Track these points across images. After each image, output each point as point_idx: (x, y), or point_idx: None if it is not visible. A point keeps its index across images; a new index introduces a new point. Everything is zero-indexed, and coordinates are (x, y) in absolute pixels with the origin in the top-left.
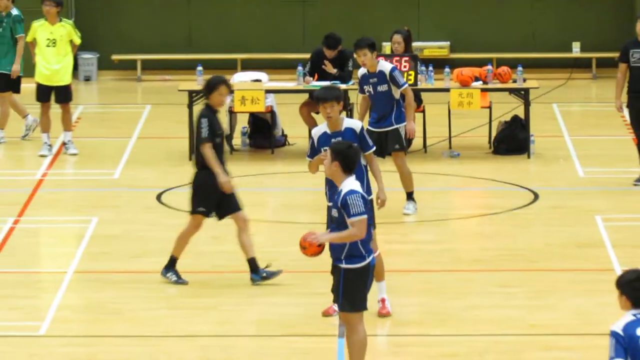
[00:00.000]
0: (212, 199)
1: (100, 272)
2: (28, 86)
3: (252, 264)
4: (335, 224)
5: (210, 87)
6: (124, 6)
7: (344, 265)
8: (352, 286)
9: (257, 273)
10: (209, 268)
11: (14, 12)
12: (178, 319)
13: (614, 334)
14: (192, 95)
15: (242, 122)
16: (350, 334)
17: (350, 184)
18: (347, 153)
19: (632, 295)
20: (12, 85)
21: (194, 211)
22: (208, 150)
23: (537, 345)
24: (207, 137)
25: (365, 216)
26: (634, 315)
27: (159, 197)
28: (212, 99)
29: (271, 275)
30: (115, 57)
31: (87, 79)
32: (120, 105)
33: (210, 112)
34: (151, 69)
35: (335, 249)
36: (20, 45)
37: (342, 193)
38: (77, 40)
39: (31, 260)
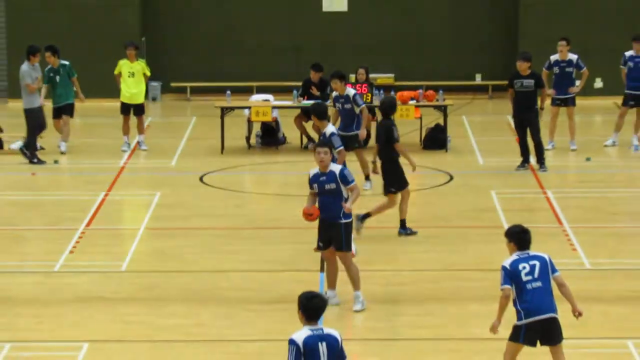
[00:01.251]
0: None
1: (162, 228)
2: (114, 104)
3: (403, 222)
4: (331, 194)
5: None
6: (177, 50)
7: (342, 221)
8: (348, 234)
9: (405, 229)
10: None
11: (65, 62)
12: (215, 261)
13: (503, 268)
14: (223, 110)
15: (256, 127)
16: (349, 266)
17: (336, 167)
18: None
19: (516, 242)
20: (71, 111)
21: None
22: (400, 147)
23: (452, 277)
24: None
25: (355, 182)
26: (518, 255)
27: (201, 178)
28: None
29: (411, 233)
30: (172, 84)
31: (154, 99)
32: (176, 117)
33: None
34: (197, 92)
35: (334, 211)
36: (76, 83)
37: (337, 171)
38: (148, 73)
39: (116, 221)
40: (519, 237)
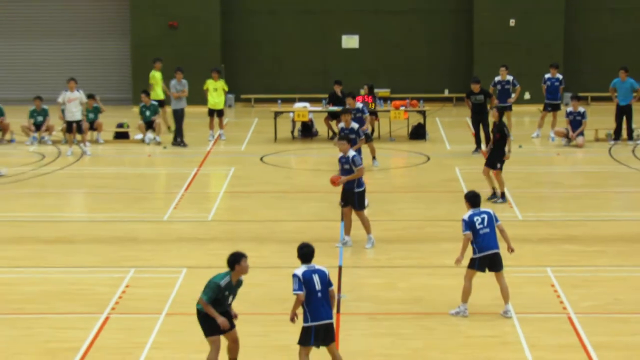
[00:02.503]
0: None
1: (235, 192)
2: (203, 110)
3: (496, 193)
4: (347, 171)
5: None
6: (245, 73)
7: (355, 190)
8: (361, 198)
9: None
10: None
11: (154, 102)
12: (271, 213)
13: (463, 220)
14: (276, 113)
15: (298, 125)
16: (363, 218)
17: (352, 152)
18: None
19: (471, 202)
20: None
21: None
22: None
23: (431, 225)
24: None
25: (363, 165)
26: (472, 211)
27: (261, 158)
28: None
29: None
30: (242, 96)
31: (230, 106)
32: (244, 118)
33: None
34: (258, 101)
35: (350, 184)
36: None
37: (350, 156)
38: (226, 88)
39: (205, 187)
40: (472, 199)
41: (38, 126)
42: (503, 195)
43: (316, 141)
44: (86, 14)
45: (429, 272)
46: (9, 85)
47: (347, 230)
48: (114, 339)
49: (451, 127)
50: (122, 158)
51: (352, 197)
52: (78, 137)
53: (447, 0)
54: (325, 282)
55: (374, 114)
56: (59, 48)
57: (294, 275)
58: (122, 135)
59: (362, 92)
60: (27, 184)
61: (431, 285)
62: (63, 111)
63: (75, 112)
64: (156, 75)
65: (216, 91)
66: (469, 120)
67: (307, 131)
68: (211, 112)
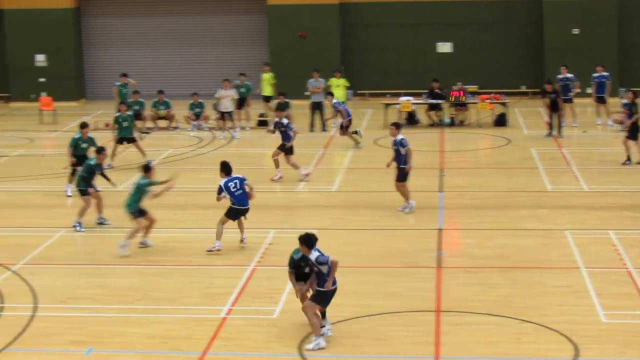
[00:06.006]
0: None
1: (355, 168)
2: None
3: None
4: (396, 152)
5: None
6: (361, 72)
7: (401, 166)
8: (402, 173)
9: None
10: None
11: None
12: (381, 184)
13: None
14: (386, 105)
15: (403, 114)
16: (400, 187)
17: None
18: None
19: None
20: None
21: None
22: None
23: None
24: None
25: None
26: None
27: (375, 141)
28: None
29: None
30: (359, 91)
31: (349, 99)
32: (360, 109)
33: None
34: (372, 95)
35: (400, 161)
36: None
37: (398, 139)
38: (347, 84)
39: (330, 163)
40: None
41: (197, 116)
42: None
43: (418, 128)
44: (235, 27)
45: (512, 233)
46: (175, 83)
47: (407, 196)
48: (259, 286)
49: (527, 116)
50: (262, 141)
51: (397, 171)
52: (229, 124)
53: (522, 13)
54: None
55: (463, 105)
56: (214, 54)
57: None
58: (263, 123)
59: (455, 87)
60: (188, 162)
61: (513, 244)
62: (215, 104)
63: (227, 106)
64: (265, 77)
65: (338, 87)
66: (542, 111)
67: (411, 119)
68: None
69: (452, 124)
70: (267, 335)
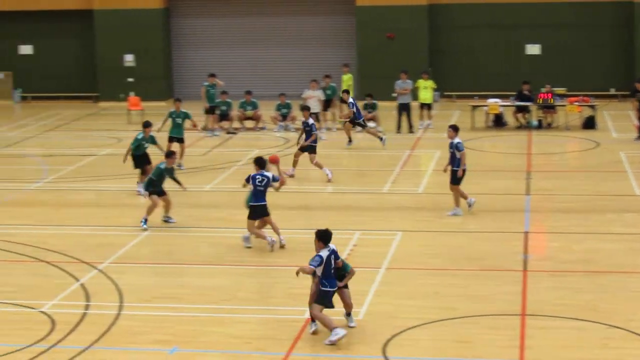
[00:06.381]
0: None
1: (441, 170)
2: (415, 104)
3: None
4: (451, 155)
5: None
6: (447, 74)
7: (454, 168)
8: (455, 176)
9: None
10: None
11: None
12: (473, 187)
13: None
14: (473, 107)
15: (490, 117)
16: (455, 189)
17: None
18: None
19: None
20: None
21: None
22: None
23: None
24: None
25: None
26: None
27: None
28: None
29: None
30: (445, 92)
31: (435, 101)
32: (447, 110)
33: None
34: (459, 97)
35: (454, 164)
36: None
37: (455, 142)
38: (435, 86)
39: (415, 165)
40: None
41: (284, 116)
42: None
43: (505, 130)
44: (323, 28)
45: (598, 237)
46: (263, 83)
47: (457, 201)
48: None
49: (616, 119)
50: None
51: (452, 174)
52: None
53: (612, 15)
54: (337, 257)
55: (552, 107)
56: (301, 54)
57: (320, 257)
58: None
59: (544, 90)
60: None
61: (600, 248)
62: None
63: (314, 106)
64: (344, 78)
65: (426, 89)
66: (631, 114)
67: (498, 122)
68: (422, 106)
69: (539, 126)
70: (350, 337)
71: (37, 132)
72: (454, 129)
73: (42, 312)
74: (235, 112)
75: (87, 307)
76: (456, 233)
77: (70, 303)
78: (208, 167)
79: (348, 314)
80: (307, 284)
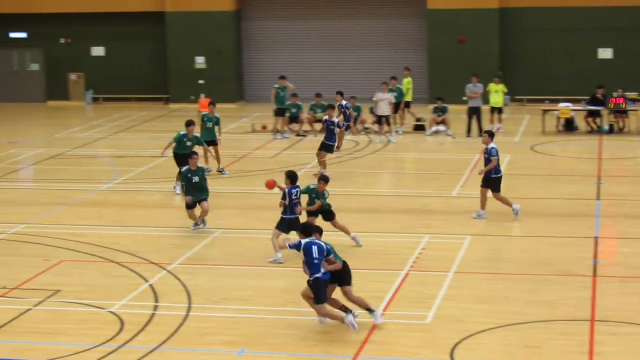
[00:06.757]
0: None
1: (512, 174)
2: (486, 108)
3: None
4: (485, 160)
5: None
6: (516, 79)
7: (493, 176)
8: (497, 183)
9: None
10: None
11: (444, 105)
12: (539, 192)
13: None
14: (544, 111)
15: (562, 121)
16: (498, 197)
17: (492, 144)
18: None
19: None
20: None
21: None
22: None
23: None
24: None
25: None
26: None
27: (532, 148)
28: None
29: None
30: (516, 97)
31: (506, 105)
32: (518, 115)
33: None
34: (530, 102)
35: (490, 171)
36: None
37: (489, 148)
38: (506, 90)
39: None
40: None
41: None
42: None
43: (577, 135)
44: (392, 30)
45: None
46: (333, 86)
47: (483, 205)
48: (412, 291)
49: None
50: (419, 146)
51: (490, 182)
52: (386, 128)
53: None
54: (322, 251)
55: (624, 112)
56: (372, 57)
57: (299, 244)
58: (420, 128)
59: (616, 94)
60: (343, 166)
61: None
62: (373, 108)
63: (385, 109)
64: (404, 82)
65: (497, 93)
66: None
67: (569, 126)
68: (492, 110)
69: (611, 131)
70: (418, 341)
71: (108, 133)
72: (490, 135)
73: (111, 312)
74: (305, 114)
75: (156, 307)
76: (525, 238)
77: (140, 304)
78: (277, 170)
79: (369, 310)
80: (374, 287)
